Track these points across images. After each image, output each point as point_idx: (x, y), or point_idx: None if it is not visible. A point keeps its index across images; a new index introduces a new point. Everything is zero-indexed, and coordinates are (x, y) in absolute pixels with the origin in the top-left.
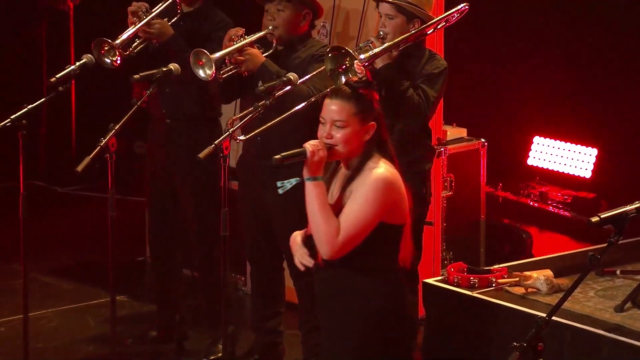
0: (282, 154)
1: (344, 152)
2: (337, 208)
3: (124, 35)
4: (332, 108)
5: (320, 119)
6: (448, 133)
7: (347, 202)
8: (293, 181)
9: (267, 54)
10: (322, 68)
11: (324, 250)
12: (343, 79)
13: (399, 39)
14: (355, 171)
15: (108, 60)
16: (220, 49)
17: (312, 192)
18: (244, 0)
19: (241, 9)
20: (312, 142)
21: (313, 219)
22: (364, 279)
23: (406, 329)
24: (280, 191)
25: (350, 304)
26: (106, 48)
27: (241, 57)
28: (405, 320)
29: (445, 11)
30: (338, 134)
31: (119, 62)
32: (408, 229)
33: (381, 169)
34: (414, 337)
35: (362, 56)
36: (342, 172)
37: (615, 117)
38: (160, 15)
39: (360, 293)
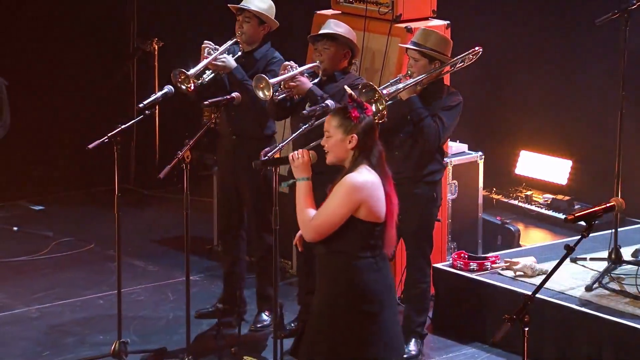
0: (264, 159)
1: (332, 157)
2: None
3: (196, 67)
4: (325, 121)
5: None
6: (452, 147)
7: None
8: (291, 181)
9: (314, 82)
10: None
11: (302, 233)
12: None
13: (420, 77)
14: (343, 174)
15: (183, 87)
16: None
17: (298, 189)
18: (294, 39)
19: (292, 47)
20: (296, 151)
21: (297, 209)
22: (334, 260)
23: (369, 304)
24: (282, 186)
25: (323, 279)
26: (182, 77)
27: (293, 83)
28: (367, 298)
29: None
30: (326, 142)
31: (192, 88)
32: (389, 226)
33: (356, 173)
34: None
35: (384, 91)
36: None
37: (585, 135)
38: (225, 52)
39: (329, 271)
